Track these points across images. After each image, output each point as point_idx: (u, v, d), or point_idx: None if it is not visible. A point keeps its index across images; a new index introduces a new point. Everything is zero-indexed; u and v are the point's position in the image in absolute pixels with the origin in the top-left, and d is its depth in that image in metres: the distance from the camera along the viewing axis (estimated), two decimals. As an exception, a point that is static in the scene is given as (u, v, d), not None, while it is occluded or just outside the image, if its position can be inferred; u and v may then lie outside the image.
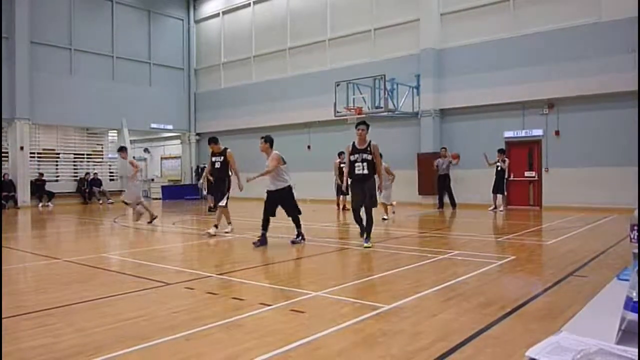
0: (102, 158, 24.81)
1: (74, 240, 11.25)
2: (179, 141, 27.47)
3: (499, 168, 15.51)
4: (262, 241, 8.47)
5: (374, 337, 3.78)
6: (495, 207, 15.59)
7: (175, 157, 28.62)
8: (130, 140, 24.78)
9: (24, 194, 20.21)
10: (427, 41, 18.00)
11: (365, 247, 7.97)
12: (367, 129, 8.12)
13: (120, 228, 12.91)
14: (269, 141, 8.92)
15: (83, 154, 23.98)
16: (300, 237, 8.76)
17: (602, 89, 14.59)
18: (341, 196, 16.08)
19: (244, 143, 24.28)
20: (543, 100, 15.88)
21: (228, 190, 10.35)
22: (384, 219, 12.53)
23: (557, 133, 15.83)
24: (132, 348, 3.55)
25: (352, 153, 8.16)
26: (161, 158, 30.19)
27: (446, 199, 16.81)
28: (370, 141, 8.09)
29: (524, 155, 16.65)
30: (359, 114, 17.22)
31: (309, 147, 21.61)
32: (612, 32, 14.32)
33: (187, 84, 26.46)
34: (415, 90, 18.08)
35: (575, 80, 15.06)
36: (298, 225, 8.83)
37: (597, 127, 14.94)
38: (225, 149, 10.47)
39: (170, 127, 25.71)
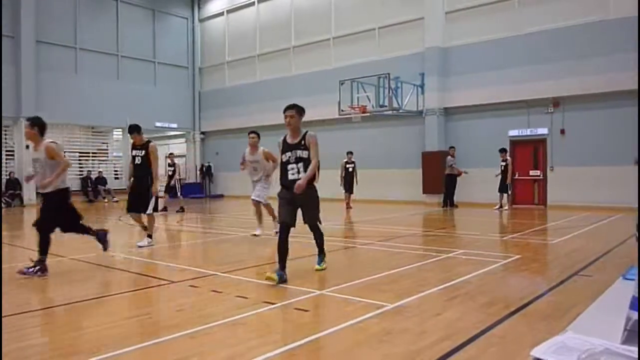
0: (107, 157, 24.90)
1: (78, 238, 11.26)
2: (183, 140, 27.52)
3: (502, 167, 15.53)
4: (42, 268, 6.13)
5: (378, 335, 3.77)
6: (501, 206, 15.57)
7: (179, 156, 28.64)
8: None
9: (29, 192, 20.29)
10: (431, 40, 17.96)
11: (317, 270, 6.17)
12: (299, 114, 6.08)
13: (125, 226, 12.94)
14: (37, 125, 6.32)
15: (88, 153, 24.06)
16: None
17: (608, 87, 14.52)
18: (346, 193, 16.41)
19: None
20: (548, 98, 15.82)
21: (153, 193, 8.45)
22: (255, 235, 9.64)
23: (562, 132, 15.76)
24: (137, 346, 3.56)
25: (283, 151, 5.98)
26: (166, 157, 30.20)
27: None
28: (306, 132, 5.97)
29: (528, 154, 16.59)
30: (363, 113, 17.22)
31: (313, 145, 21.60)
32: (618, 30, 14.24)
33: (191, 82, 26.51)
34: (419, 89, 18.04)
35: (580, 78, 14.99)
36: (87, 231, 6.96)
37: (603, 125, 14.87)
38: (148, 141, 8.53)
39: (174, 125, 25.76)
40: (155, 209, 8.52)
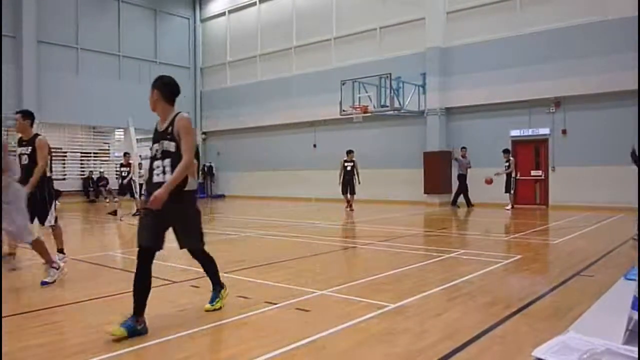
0: (109, 157, 24.92)
1: (80, 238, 11.30)
2: (185, 140, 27.49)
3: (506, 168, 15.49)
4: None
5: (379, 335, 3.77)
6: (512, 206, 15.52)
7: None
8: (137, 139, 24.88)
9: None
10: (433, 39, 17.95)
11: (207, 309, 4.42)
12: (162, 89, 4.48)
13: (127, 226, 12.96)
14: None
15: (90, 153, 24.09)
16: None
17: (609, 87, 14.50)
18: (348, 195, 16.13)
19: (250, 142, 24.38)
20: (550, 98, 15.80)
21: (51, 200, 6.73)
22: (45, 282, 5.62)
23: (564, 132, 15.74)
24: (138, 346, 3.57)
25: (153, 141, 4.39)
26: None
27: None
28: (175, 115, 4.26)
29: (530, 154, 16.57)
30: (364, 113, 17.21)
31: (314, 145, 21.60)
32: (619, 30, 14.22)
33: (193, 82, 26.52)
34: (421, 89, 18.03)
35: (582, 78, 14.97)
36: None
37: (605, 125, 14.84)
38: (36, 135, 6.58)
39: (176, 125, 25.74)
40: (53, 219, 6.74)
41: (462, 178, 16.64)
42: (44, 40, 20.87)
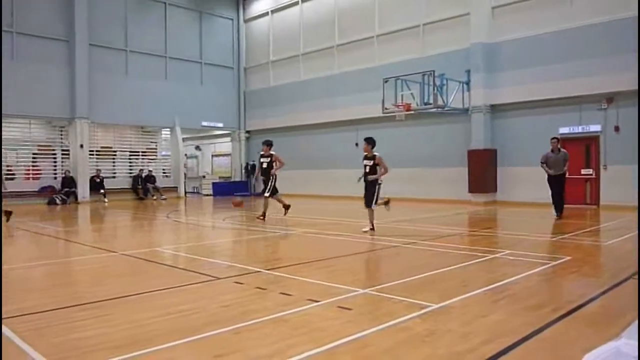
0: (156, 155, 25.63)
1: (129, 234, 11.67)
2: (229, 139, 28.02)
3: (367, 169, 10.60)
4: None
5: (421, 336, 3.73)
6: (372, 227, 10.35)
7: (225, 155, 29.22)
8: (183, 138, 25.47)
9: (83, 190, 21.12)
10: (477, 35, 17.58)
11: None
12: None
13: (173, 223, 13.29)
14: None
15: (138, 152, 24.84)
16: None
17: (666, 82, 13.83)
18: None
19: (292, 141, 24.54)
20: (601, 94, 15.21)
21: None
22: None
23: (616, 129, 15.12)
24: (182, 340, 3.65)
25: None
26: (212, 155, 30.89)
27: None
28: None
29: (580, 151, 15.99)
30: (407, 111, 17.04)
31: (356, 144, 21.54)
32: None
33: (237, 82, 26.92)
34: (465, 86, 17.71)
35: (635, 73, 14.33)
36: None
37: (661, 122, 14.18)
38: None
39: (220, 125, 26.24)
40: None
41: (555, 178, 12.55)
42: (95, 44, 21.64)
